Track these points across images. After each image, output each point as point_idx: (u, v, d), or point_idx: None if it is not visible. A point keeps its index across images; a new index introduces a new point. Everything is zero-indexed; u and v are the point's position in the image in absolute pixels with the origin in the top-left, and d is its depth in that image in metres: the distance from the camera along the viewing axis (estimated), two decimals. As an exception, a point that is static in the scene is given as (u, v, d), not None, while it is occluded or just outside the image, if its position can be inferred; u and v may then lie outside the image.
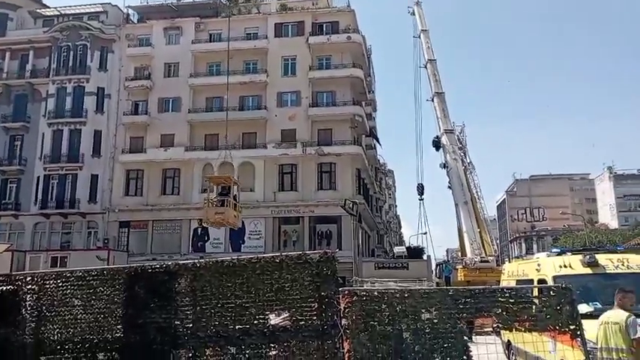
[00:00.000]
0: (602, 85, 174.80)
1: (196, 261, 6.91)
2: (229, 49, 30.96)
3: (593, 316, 7.45)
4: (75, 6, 41.59)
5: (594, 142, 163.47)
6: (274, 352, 6.68)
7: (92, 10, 41.15)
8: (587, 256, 9.54)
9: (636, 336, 6.54)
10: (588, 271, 9.36)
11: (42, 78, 39.38)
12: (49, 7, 43.32)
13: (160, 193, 37.00)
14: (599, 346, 6.86)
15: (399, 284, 20.68)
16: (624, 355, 6.61)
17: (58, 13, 41.70)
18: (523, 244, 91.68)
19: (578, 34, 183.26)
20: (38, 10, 42.41)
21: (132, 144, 38.04)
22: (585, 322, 6.49)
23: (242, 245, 35.09)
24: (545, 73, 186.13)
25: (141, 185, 37.34)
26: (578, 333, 6.28)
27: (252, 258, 6.77)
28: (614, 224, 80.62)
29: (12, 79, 39.75)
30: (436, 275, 31.82)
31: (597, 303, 8.59)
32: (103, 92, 38.92)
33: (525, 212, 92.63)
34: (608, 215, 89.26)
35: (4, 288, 7.31)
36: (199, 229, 36.14)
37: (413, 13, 37.68)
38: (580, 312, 6.51)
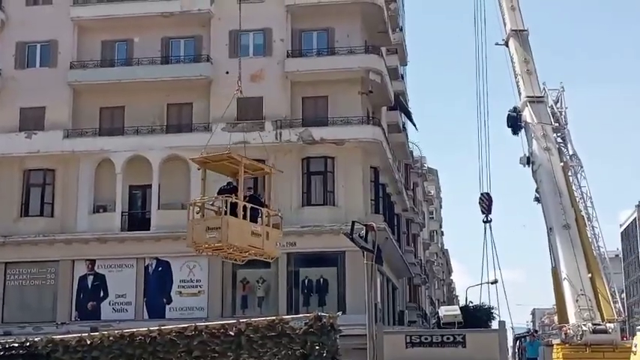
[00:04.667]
0: None
1: (84, 335, 6.94)
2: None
3: None
4: None
5: None
6: None
7: None
8: None
9: None
10: None
11: None
12: None
13: (19, 213, 37.67)
14: None
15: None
16: None
17: None
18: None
19: None
20: None
21: (-32, 125, 37.73)
22: None
23: (167, 306, 35.76)
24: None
25: (-17, 199, 36.98)
26: None
27: (185, 328, 6.81)
28: None
29: None
30: (515, 357, 31.99)
31: None
32: None
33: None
34: None
35: None
36: (90, 278, 36.44)
37: None
38: None
